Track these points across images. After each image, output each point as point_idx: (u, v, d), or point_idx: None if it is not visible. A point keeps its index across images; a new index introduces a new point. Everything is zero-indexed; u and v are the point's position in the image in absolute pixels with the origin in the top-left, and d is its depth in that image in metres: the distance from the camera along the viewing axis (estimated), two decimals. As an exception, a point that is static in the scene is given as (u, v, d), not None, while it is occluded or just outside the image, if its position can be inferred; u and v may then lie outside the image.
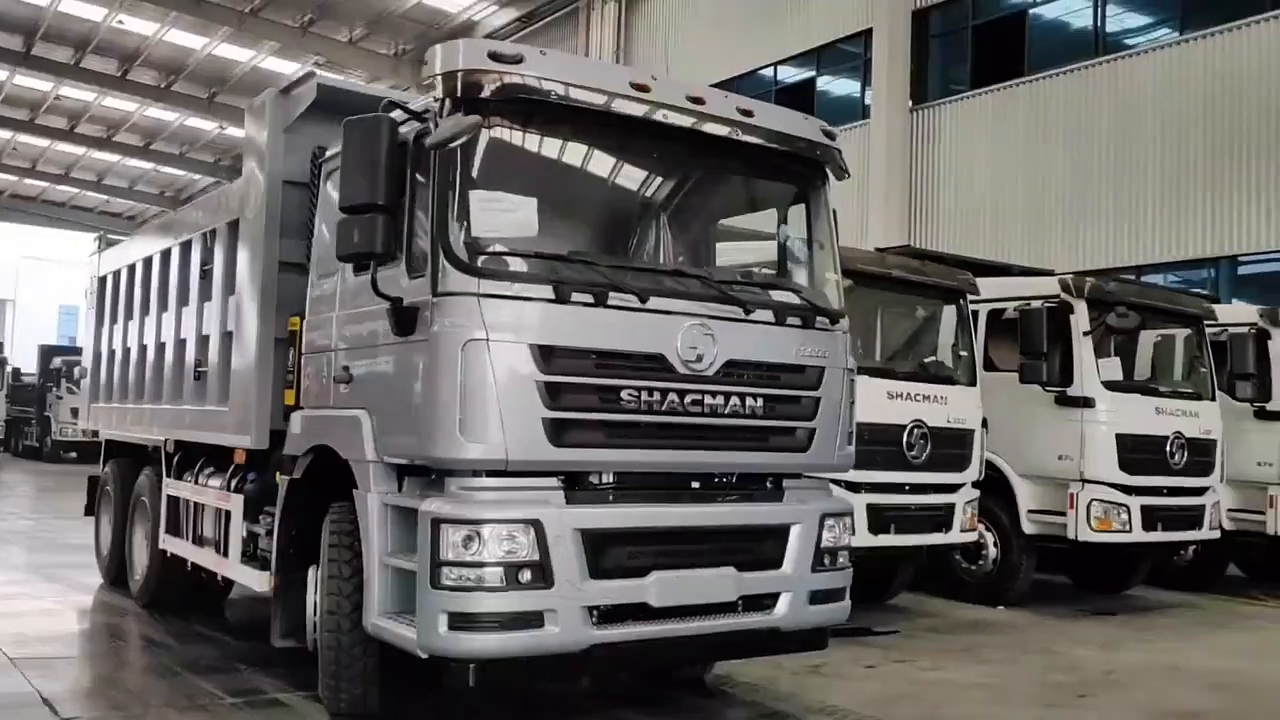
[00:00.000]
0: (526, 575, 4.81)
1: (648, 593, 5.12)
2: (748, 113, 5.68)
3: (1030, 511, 10.24)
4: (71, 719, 5.69)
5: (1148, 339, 11.23)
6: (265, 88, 7.35)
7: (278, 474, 6.60)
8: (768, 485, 5.76)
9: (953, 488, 9.41)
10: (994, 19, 20.16)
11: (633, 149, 5.64)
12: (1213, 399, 10.91)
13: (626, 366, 5.14)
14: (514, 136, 5.28)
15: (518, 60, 5.02)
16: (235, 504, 6.89)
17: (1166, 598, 11.52)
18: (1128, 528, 9.95)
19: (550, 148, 5.51)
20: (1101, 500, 9.86)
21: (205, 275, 7.97)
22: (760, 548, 5.56)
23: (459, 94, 4.96)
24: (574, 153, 5.59)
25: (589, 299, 5.06)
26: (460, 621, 4.76)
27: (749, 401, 5.49)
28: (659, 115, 5.31)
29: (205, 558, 7.42)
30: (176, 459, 8.25)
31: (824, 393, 5.78)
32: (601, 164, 5.70)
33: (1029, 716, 6.48)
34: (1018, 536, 10.28)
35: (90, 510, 10.71)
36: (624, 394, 5.12)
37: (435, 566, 4.78)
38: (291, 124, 6.77)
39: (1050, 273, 12.72)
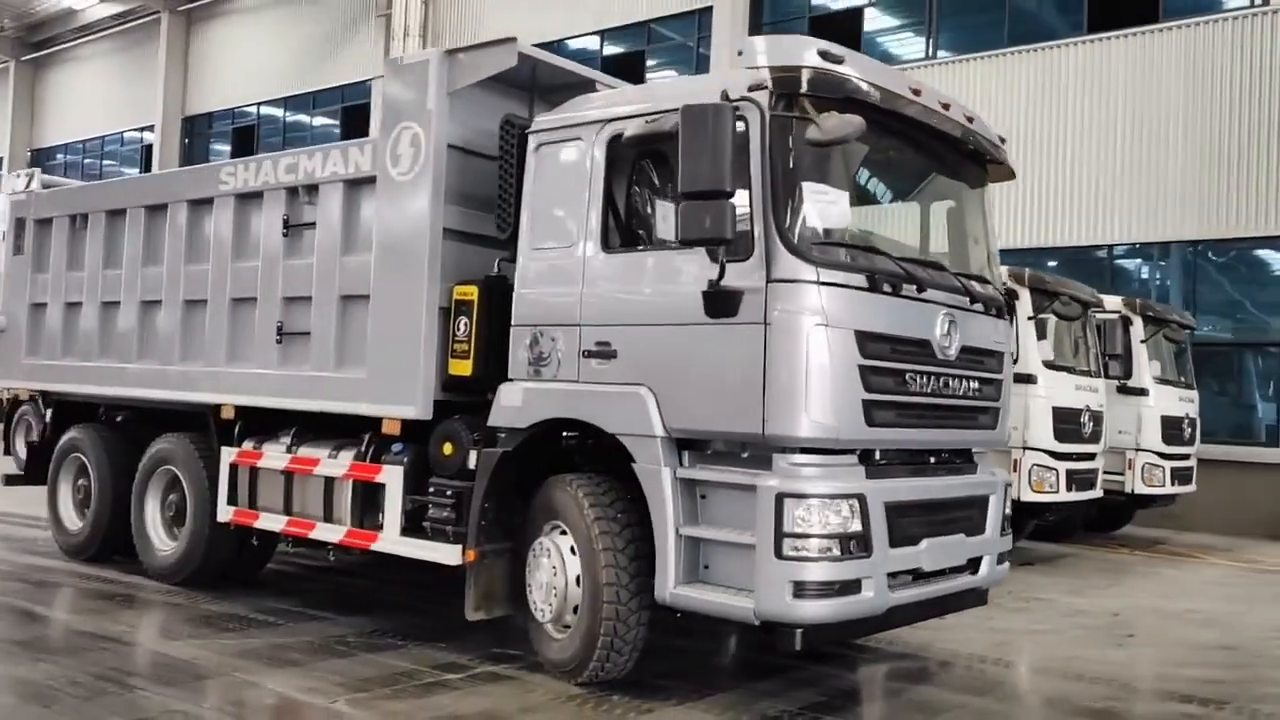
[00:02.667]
0: (854, 545, 5.19)
1: (922, 558, 5.64)
2: (971, 119, 6.25)
3: (974, 475, 11.45)
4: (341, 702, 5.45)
5: (1051, 323, 12.71)
6: None
7: (447, 444, 6.52)
8: (967, 460, 6.38)
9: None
10: (831, 12, 21.45)
11: (889, 145, 6.02)
12: (1100, 376, 12.58)
13: (906, 352, 5.59)
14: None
15: (841, 60, 5.32)
16: (392, 476, 6.65)
17: (1047, 549, 13.13)
18: (1056, 489, 11.41)
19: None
20: (1039, 465, 11.24)
21: (288, 232, 7.54)
22: (975, 515, 6.19)
23: (793, 90, 5.20)
24: (856, 147, 5.90)
25: (888, 288, 5.46)
26: (799, 590, 5.07)
27: (973, 384, 6.09)
28: (935, 121, 5.77)
29: (325, 532, 7.08)
30: (238, 426, 7.78)
31: (1004, 375, 6.47)
32: (868, 157, 6.03)
33: (1115, 655, 7.49)
34: (961, 498, 11.45)
35: (30, 480, 9.76)
36: (908, 376, 5.58)
37: (779, 538, 5.06)
38: (458, 89, 6.61)
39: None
